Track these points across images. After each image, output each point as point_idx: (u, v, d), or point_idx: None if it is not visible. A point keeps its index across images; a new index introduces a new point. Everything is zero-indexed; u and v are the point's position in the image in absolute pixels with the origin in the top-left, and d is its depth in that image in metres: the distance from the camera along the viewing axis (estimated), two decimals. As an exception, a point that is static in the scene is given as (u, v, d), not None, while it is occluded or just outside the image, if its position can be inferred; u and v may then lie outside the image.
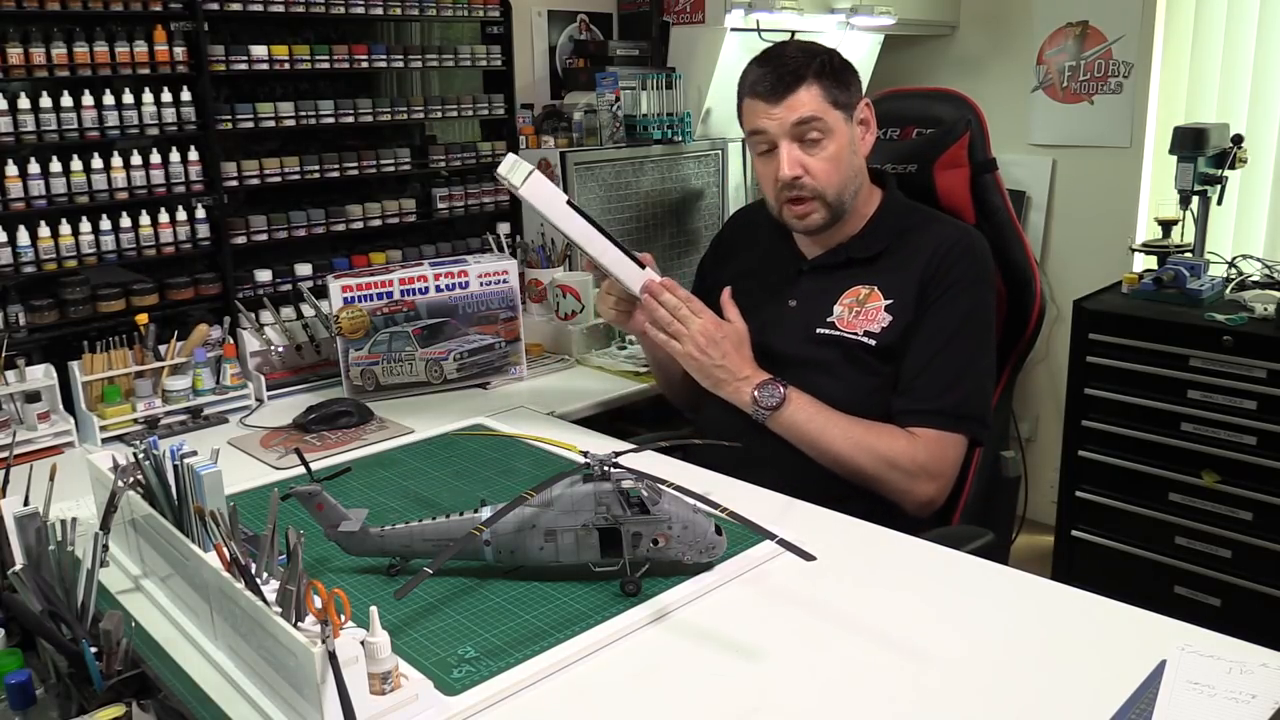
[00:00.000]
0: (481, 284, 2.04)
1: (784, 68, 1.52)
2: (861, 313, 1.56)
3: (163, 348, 1.86)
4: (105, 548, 1.17)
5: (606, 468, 1.17)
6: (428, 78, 2.57)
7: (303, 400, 1.94)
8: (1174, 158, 2.53)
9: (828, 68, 1.52)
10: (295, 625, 0.92)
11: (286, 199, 2.25)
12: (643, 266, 1.58)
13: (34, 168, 1.85)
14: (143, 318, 1.85)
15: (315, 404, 1.84)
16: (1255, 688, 0.94)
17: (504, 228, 2.49)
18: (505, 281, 2.05)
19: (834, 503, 1.40)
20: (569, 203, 1.54)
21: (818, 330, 1.58)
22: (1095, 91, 3.06)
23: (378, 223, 2.34)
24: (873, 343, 1.54)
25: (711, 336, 1.53)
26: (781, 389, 1.52)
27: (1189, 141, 2.48)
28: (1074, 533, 2.56)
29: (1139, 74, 2.96)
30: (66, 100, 1.87)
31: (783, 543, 1.08)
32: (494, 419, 1.81)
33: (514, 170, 1.55)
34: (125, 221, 1.95)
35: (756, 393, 1.52)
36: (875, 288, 1.57)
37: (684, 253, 2.75)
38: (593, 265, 1.65)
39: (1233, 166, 2.52)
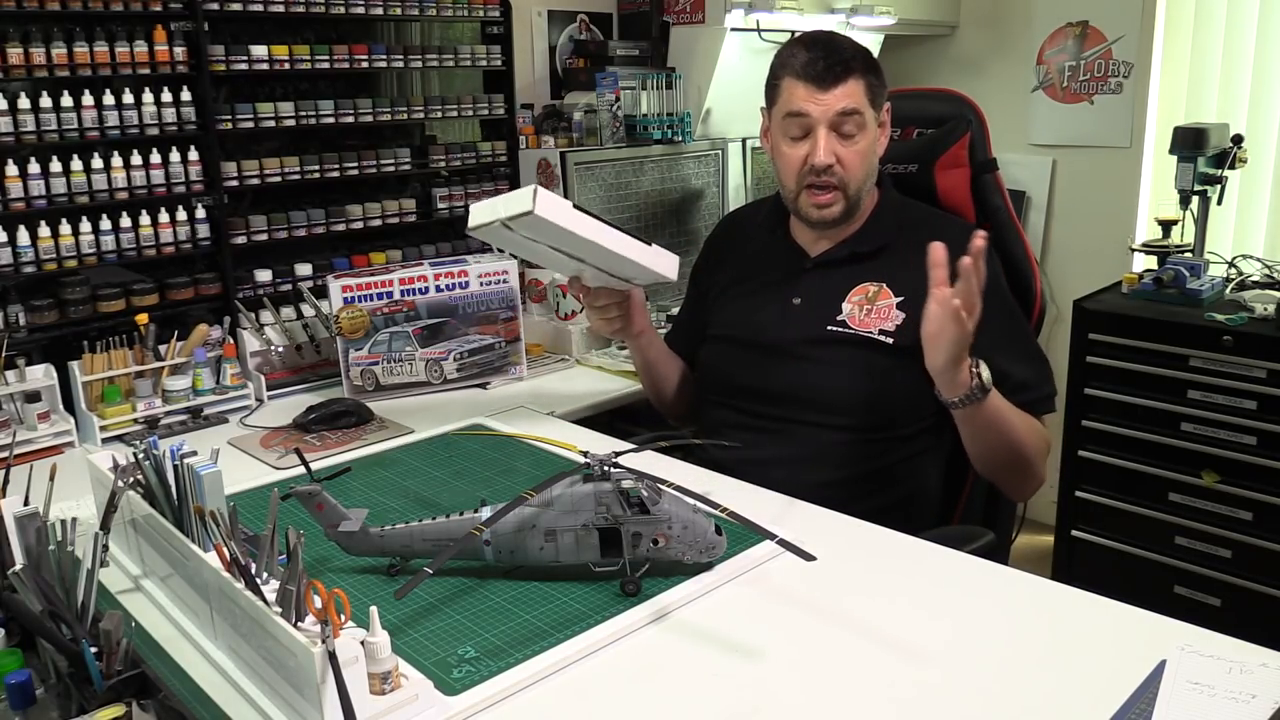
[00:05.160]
0: (481, 284, 2.04)
1: (837, 55, 1.51)
2: (873, 310, 1.56)
3: (163, 348, 1.86)
4: (105, 548, 1.17)
5: (606, 468, 1.17)
6: (428, 78, 2.57)
7: (303, 400, 1.94)
8: (1174, 158, 2.52)
9: (873, 65, 1.54)
10: (295, 625, 0.92)
11: (286, 199, 2.25)
12: (649, 243, 1.52)
13: (34, 168, 1.85)
14: (143, 318, 1.85)
15: (315, 404, 1.84)
16: (1255, 688, 0.94)
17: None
18: (505, 281, 2.05)
19: (835, 505, 1.40)
20: (577, 206, 1.44)
21: (828, 328, 1.57)
22: (1095, 91, 3.05)
23: (378, 223, 2.34)
24: (890, 341, 1.53)
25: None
26: (986, 372, 1.40)
27: (1189, 141, 2.48)
28: (1074, 533, 2.56)
29: (1139, 74, 2.96)
30: (66, 100, 1.87)
31: (783, 543, 1.08)
32: (494, 419, 1.81)
33: (502, 207, 1.41)
34: (125, 221, 1.95)
35: (980, 371, 1.38)
36: (884, 285, 1.57)
37: (684, 253, 2.71)
38: (578, 282, 1.59)
39: (1233, 166, 2.52)
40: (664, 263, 1.55)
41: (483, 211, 1.45)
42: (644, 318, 1.70)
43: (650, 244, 1.53)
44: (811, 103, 1.51)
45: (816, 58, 1.52)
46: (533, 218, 1.38)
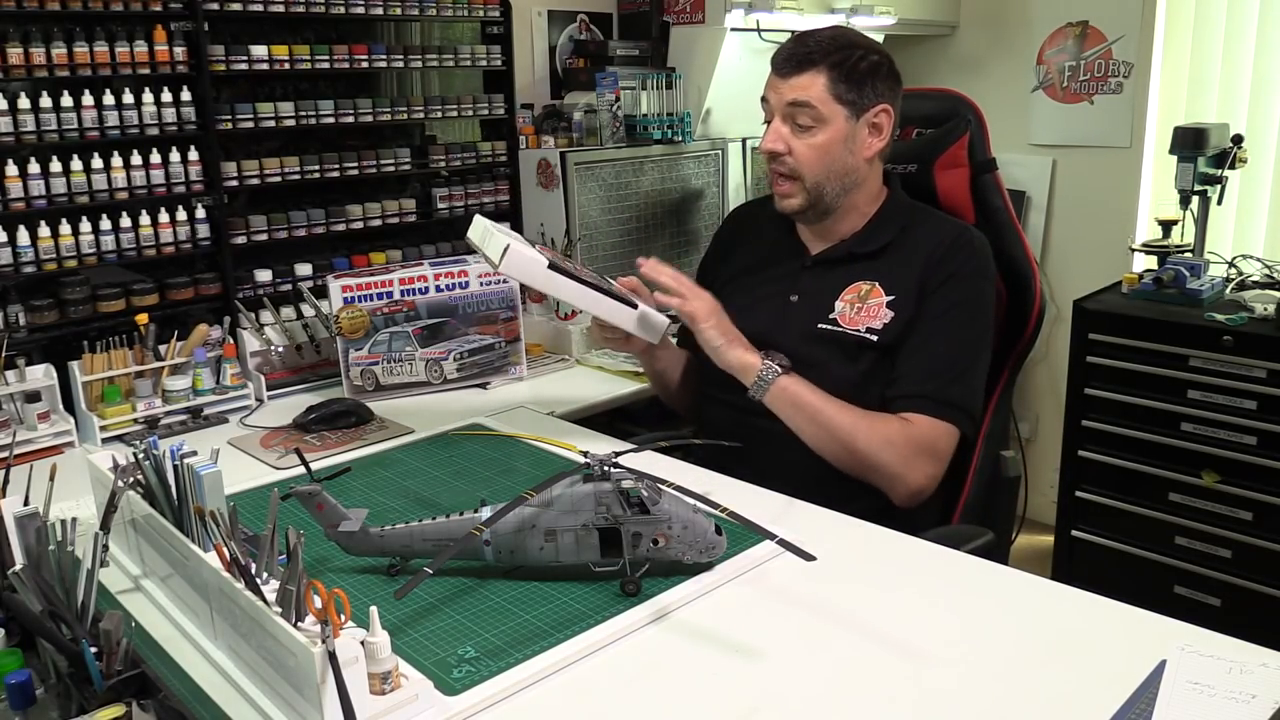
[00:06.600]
0: (481, 284, 2.04)
1: (801, 48, 1.54)
2: (863, 309, 1.56)
3: (163, 348, 1.86)
4: (105, 548, 1.17)
5: (606, 468, 1.17)
6: (428, 78, 2.57)
7: (303, 400, 1.94)
8: (1174, 158, 2.52)
9: (846, 63, 1.53)
10: (295, 625, 0.92)
11: (286, 199, 2.25)
12: (635, 306, 1.58)
13: (34, 168, 1.85)
14: (143, 318, 1.85)
15: (315, 404, 1.84)
16: (1255, 688, 0.94)
17: (504, 228, 2.49)
18: (505, 281, 2.05)
19: (835, 504, 1.39)
20: (551, 265, 1.50)
21: (819, 326, 1.58)
22: (1095, 91, 3.05)
23: (378, 223, 2.34)
24: (875, 339, 1.54)
25: (713, 304, 1.55)
26: (785, 359, 1.53)
27: (1189, 141, 2.48)
28: (1074, 533, 2.56)
29: (1139, 74, 2.96)
30: (66, 100, 1.87)
31: (783, 543, 1.08)
32: (494, 419, 1.81)
33: (487, 241, 1.51)
34: (125, 221, 1.95)
35: (766, 358, 1.52)
36: (877, 284, 1.57)
37: (684, 253, 2.75)
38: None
39: (1233, 166, 2.52)
40: (647, 326, 1.59)
41: (477, 231, 1.51)
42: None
43: (636, 306, 1.57)
44: (771, 90, 1.57)
45: (786, 47, 1.56)
46: (501, 269, 1.47)
